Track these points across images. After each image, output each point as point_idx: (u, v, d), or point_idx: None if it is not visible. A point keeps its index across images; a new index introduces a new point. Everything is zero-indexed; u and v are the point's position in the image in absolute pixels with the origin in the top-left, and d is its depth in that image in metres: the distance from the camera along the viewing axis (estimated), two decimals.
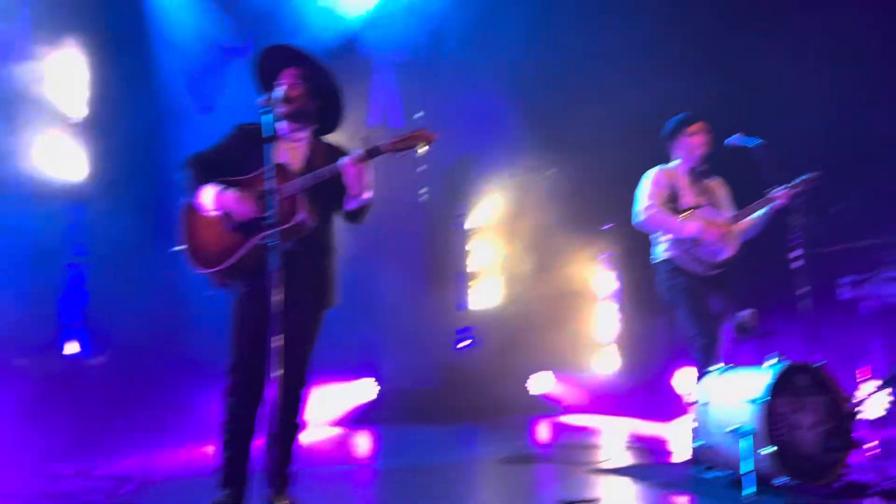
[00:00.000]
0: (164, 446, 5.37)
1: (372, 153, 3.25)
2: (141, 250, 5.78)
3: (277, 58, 3.49)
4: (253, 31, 6.75)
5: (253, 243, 3.25)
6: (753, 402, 3.64)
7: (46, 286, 5.78)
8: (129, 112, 6.12)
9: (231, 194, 3.29)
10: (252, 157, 3.40)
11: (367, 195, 3.38)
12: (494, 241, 8.56)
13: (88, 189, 6.12)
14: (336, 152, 3.51)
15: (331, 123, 3.63)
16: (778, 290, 6.20)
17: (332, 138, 3.64)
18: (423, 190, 7.13)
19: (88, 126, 6.13)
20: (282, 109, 3.37)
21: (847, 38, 6.16)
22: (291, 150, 3.47)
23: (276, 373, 2.90)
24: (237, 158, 3.43)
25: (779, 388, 3.65)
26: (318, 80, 3.50)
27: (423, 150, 3.25)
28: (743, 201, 4.70)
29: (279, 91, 3.35)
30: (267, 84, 3.48)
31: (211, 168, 3.39)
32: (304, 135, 3.52)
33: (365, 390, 7.21)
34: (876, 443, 4.40)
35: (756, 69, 6.41)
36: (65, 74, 5.96)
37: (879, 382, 3.84)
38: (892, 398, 4.61)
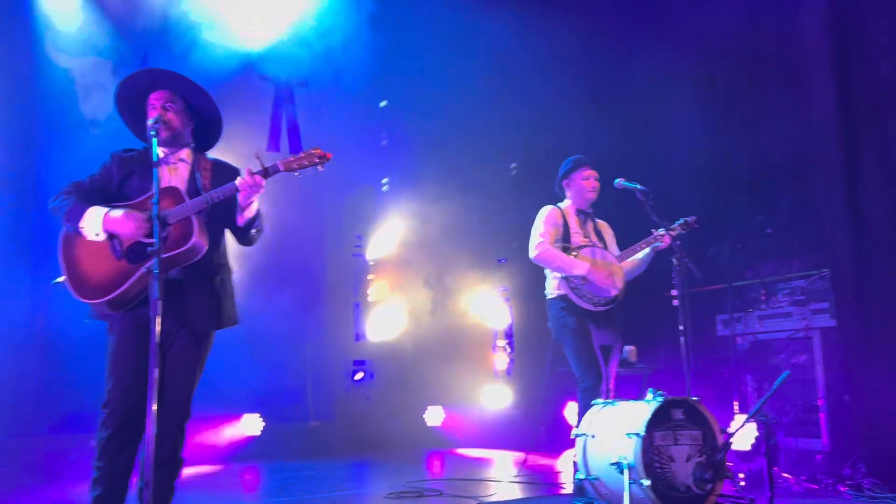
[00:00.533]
0: (33, 485, 5.03)
1: (269, 171, 3.21)
2: (7, 271, 5.45)
3: (144, 81, 3.38)
4: (148, 51, 6.57)
5: (143, 270, 3.11)
6: (633, 435, 3.76)
7: None
8: (10, 128, 5.79)
9: (119, 214, 3.15)
10: (131, 184, 3.30)
11: (254, 208, 3.32)
12: (393, 272, 8.56)
13: None
14: (222, 169, 3.43)
15: (208, 140, 3.55)
16: (659, 327, 6.50)
17: (215, 154, 3.56)
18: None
19: None
20: (158, 134, 3.21)
21: (714, 79, 6.59)
22: (173, 172, 3.37)
23: (156, 405, 2.78)
24: (116, 186, 3.32)
25: (656, 422, 3.80)
26: (190, 98, 3.41)
27: (319, 168, 3.25)
28: (628, 242, 4.90)
29: (153, 116, 3.25)
30: (134, 110, 3.38)
31: (90, 196, 3.25)
32: (184, 154, 3.43)
33: (250, 425, 6.97)
34: (745, 474, 4.64)
35: (642, 115, 6.75)
36: None
37: (747, 416, 4.05)
38: (759, 431, 4.88)
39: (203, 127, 3.49)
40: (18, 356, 5.07)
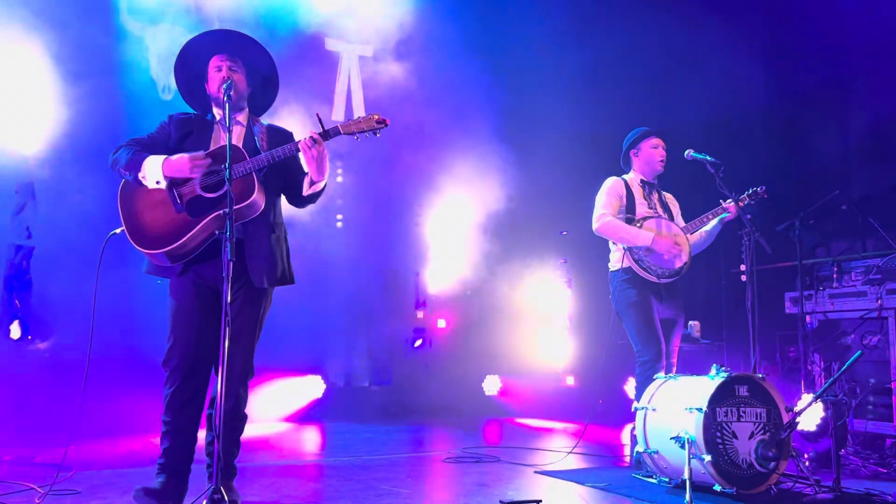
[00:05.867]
0: (107, 436, 5.28)
1: (329, 134, 3.25)
2: (90, 233, 5.65)
3: (205, 44, 3.43)
4: (218, 15, 6.68)
5: (204, 222, 3.19)
6: (694, 410, 3.72)
7: None
8: (87, 94, 5.98)
9: (181, 156, 3.22)
10: (189, 144, 3.36)
11: (323, 183, 3.36)
12: (453, 242, 8.58)
13: (38, 167, 5.96)
14: (277, 133, 3.48)
15: (264, 103, 3.59)
16: (726, 302, 6.37)
17: (281, 118, 3.61)
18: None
19: (44, 100, 5.97)
20: (230, 98, 3.24)
21: (790, 51, 6.34)
22: (231, 134, 3.42)
23: (221, 362, 2.85)
24: (174, 145, 3.38)
25: (720, 397, 3.74)
26: (251, 59, 3.45)
27: (377, 134, 3.29)
28: (694, 215, 4.80)
29: (222, 80, 3.30)
30: (190, 74, 3.44)
31: (148, 149, 3.33)
32: (240, 117, 3.48)
33: (313, 387, 7.16)
34: (810, 454, 4.54)
35: (716, 88, 6.56)
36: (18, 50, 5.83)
37: (814, 395, 3.95)
38: (826, 411, 4.76)
39: (259, 88, 3.52)
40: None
